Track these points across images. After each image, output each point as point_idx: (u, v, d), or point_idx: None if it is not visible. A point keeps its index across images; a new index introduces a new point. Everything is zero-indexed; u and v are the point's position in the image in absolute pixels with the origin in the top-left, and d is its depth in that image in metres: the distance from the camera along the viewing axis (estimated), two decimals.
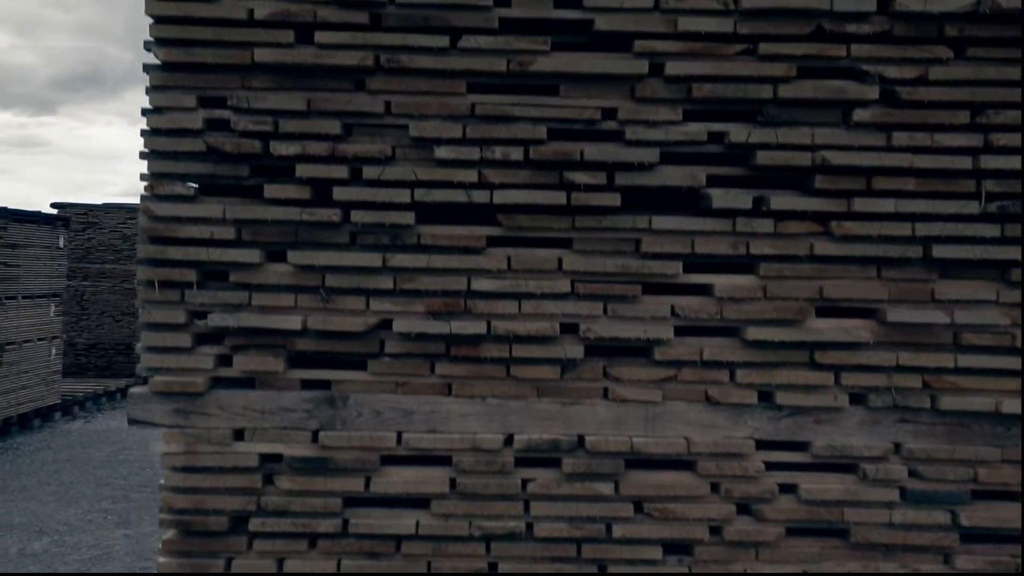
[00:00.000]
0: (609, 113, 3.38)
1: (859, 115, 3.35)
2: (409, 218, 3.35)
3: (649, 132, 3.36)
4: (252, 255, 3.35)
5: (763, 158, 3.34)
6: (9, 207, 12.70)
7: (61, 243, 13.66)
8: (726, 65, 3.36)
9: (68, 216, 13.85)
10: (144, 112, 3.37)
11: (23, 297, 12.79)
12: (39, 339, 13.27)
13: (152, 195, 3.36)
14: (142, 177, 3.38)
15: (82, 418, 14.01)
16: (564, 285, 3.37)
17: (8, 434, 12.58)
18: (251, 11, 3.35)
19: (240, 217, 3.35)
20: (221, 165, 3.37)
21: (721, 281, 3.38)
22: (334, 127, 3.35)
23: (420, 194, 3.34)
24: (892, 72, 3.34)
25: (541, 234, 3.39)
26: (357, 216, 3.34)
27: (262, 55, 3.33)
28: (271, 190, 3.35)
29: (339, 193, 3.34)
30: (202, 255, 3.34)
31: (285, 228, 3.37)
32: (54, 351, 13.63)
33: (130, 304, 15.29)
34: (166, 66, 3.36)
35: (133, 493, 9.88)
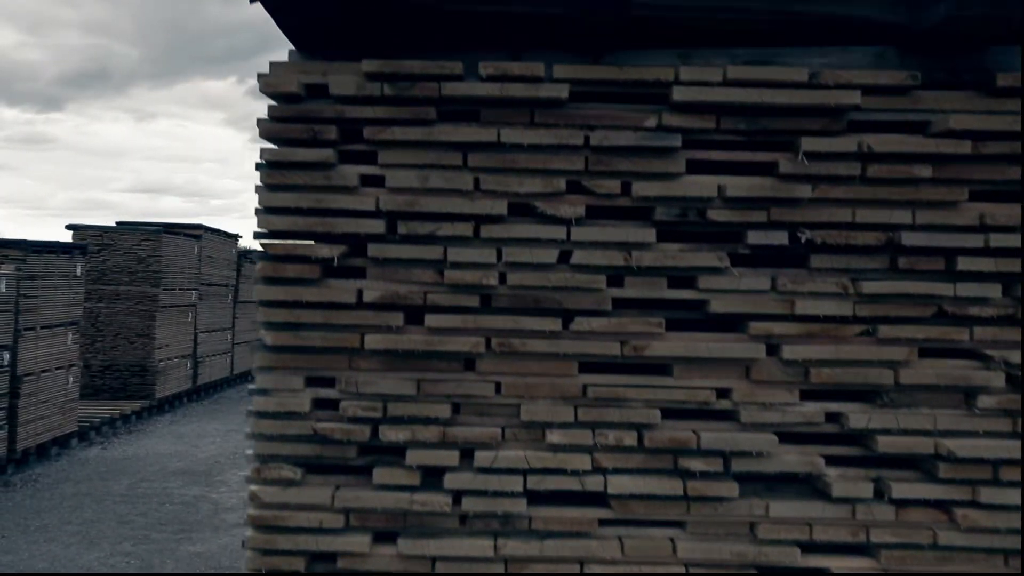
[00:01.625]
0: (723, 393, 3.31)
1: (984, 401, 3.28)
2: (521, 505, 3.28)
3: (765, 414, 3.29)
4: (361, 543, 3.28)
5: (884, 444, 3.28)
6: (28, 239, 12.56)
7: (78, 271, 13.54)
8: (845, 348, 3.28)
9: (85, 244, 13.70)
10: (251, 392, 3.29)
11: (41, 327, 12.69)
12: (57, 368, 13.19)
13: (259, 479, 3.29)
14: (251, 460, 3.31)
15: (99, 444, 13.95)
16: (678, 573, 3.31)
17: (27, 463, 12.53)
18: (360, 293, 3.26)
19: (349, 505, 3.28)
20: (328, 447, 3.30)
21: (839, 564, 3.32)
22: (444, 411, 3.27)
23: (533, 481, 3.27)
24: (1017, 357, 3.27)
25: (655, 518, 3.33)
26: (468, 504, 3.27)
27: (372, 341, 3.24)
28: (380, 475, 3.28)
29: (450, 480, 3.27)
30: (311, 544, 3.28)
31: (394, 513, 3.30)
32: (71, 379, 13.56)
33: (145, 326, 15.18)
34: (274, 348, 3.28)
35: (154, 533, 9.82)
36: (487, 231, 3.26)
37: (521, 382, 3.28)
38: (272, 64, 3.26)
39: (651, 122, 3.25)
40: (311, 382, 3.30)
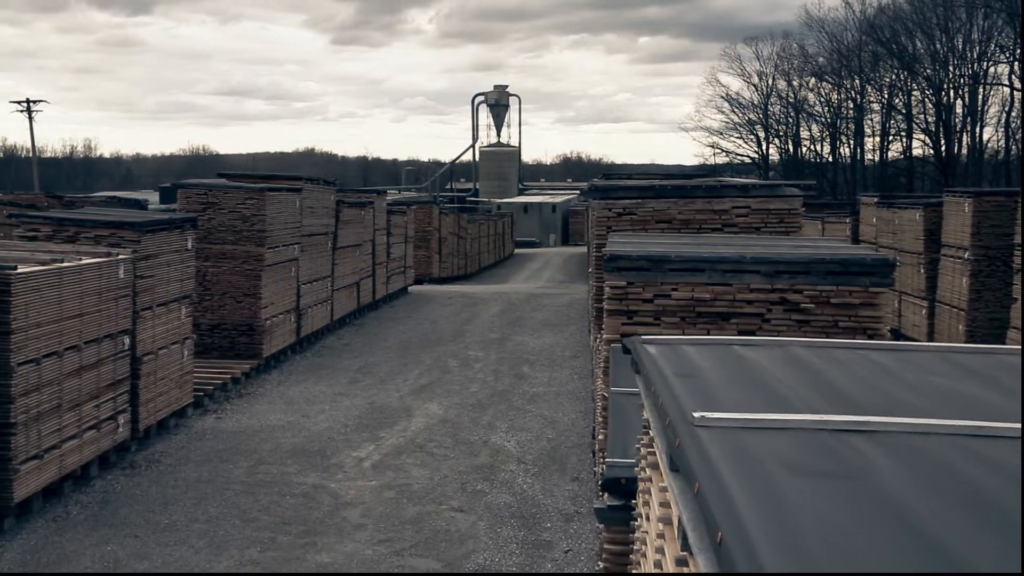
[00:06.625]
0: None
1: None
2: None
3: None
4: None
5: None
6: (139, 221, 12.28)
7: (189, 244, 13.30)
8: None
9: (195, 216, 13.39)
10: None
11: (157, 305, 12.56)
12: (172, 344, 13.10)
13: None
14: None
15: (213, 413, 13.98)
16: None
17: (147, 439, 12.60)
18: None
19: None
20: None
21: None
22: None
23: None
24: None
25: None
26: None
27: None
28: None
29: None
30: None
31: None
32: (186, 353, 13.48)
33: (251, 285, 14.97)
34: None
35: (279, 536, 9.81)
36: None
37: None
38: None
39: None
40: None
